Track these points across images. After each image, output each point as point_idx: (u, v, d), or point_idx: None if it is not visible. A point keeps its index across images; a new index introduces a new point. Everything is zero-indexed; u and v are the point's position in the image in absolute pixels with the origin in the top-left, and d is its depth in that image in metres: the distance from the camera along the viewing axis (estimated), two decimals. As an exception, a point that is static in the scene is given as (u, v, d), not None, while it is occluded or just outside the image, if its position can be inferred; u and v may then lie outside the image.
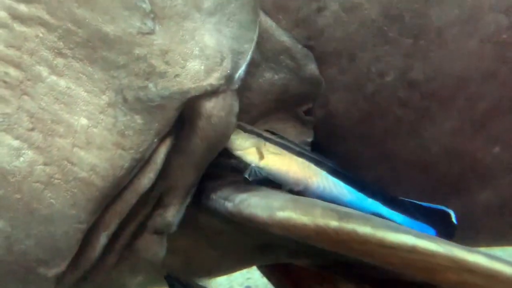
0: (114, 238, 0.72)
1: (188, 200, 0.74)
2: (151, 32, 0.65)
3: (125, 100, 0.66)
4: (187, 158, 0.70)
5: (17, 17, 0.62)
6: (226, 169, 0.74)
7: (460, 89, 0.76)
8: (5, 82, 0.63)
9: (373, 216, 0.59)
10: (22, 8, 0.62)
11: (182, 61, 0.66)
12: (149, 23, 0.66)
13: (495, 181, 0.82)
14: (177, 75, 0.66)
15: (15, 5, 0.62)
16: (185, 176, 0.71)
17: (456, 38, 0.73)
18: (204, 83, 0.66)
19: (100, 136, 0.66)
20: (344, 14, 0.71)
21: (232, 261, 0.85)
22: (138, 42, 0.64)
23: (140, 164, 0.68)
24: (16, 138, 0.63)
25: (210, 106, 0.65)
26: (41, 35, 0.64)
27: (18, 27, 0.63)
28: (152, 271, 0.82)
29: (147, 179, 0.65)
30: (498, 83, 0.74)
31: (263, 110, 0.75)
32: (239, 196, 0.66)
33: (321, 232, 0.59)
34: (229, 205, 0.67)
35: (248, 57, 0.70)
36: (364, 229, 0.54)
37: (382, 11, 0.71)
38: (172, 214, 0.72)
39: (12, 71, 0.63)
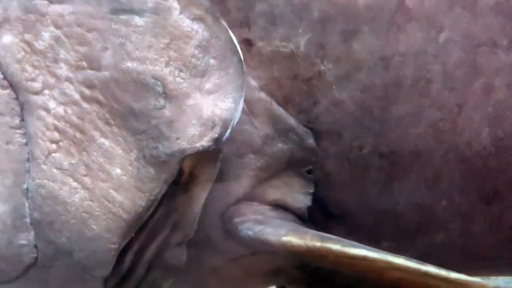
0: (140, 255, 0.93)
1: (196, 219, 0.93)
2: (163, 108, 0.84)
3: (144, 156, 0.85)
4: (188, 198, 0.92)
5: (84, 98, 0.84)
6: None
7: (414, 159, 0.97)
8: (73, 142, 0.83)
9: (344, 239, 0.83)
10: (87, 91, 0.83)
11: (182, 128, 0.84)
12: (162, 101, 0.84)
13: (446, 226, 1.02)
14: (178, 138, 0.84)
15: (84, 89, 0.83)
16: (189, 209, 0.93)
17: (409, 125, 0.95)
18: (197, 144, 0.85)
19: (127, 182, 0.85)
20: (332, 107, 0.94)
21: (253, 280, 1.08)
22: (153, 115, 0.84)
23: (154, 205, 0.86)
24: (75, 180, 0.83)
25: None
26: (96, 110, 0.84)
27: (84, 104, 0.84)
28: (179, 275, 1.01)
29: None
30: (440, 156, 0.96)
31: (277, 169, 0.97)
32: (258, 227, 0.89)
33: (310, 250, 0.83)
34: (250, 233, 0.89)
35: (235, 121, 0.88)
36: (336, 247, 0.80)
37: (358, 106, 0.94)
38: (184, 234, 0.93)
39: (78, 135, 0.84)
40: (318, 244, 0.81)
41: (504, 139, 0.96)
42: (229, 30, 0.89)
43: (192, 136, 0.85)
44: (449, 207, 1.01)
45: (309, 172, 0.99)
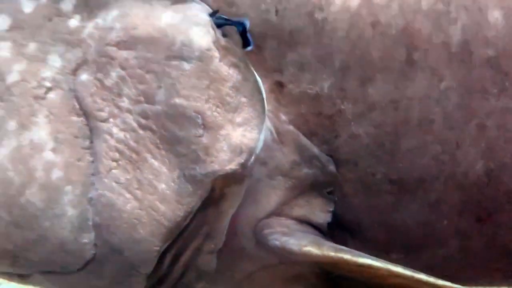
0: (176, 259, 1.01)
1: (225, 232, 1.02)
2: (201, 136, 0.94)
3: (184, 175, 0.94)
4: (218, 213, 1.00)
5: (140, 126, 0.94)
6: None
7: (419, 185, 1.03)
8: (130, 161, 0.94)
9: (354, 250, 0.93)
10: (143, 121, 0.94)
11: (216, 153, 0.94)
12: (200, 131, 0.94)
13: (447, 242, 1.09)
14: (212, 162, 0.94)
15: (141, 119, 0.94)
16: (219, 222, 1.01)
17: (414, 156, 1.02)
18: (227, 167, 0.94)
19: (170, 196, 0.94)
20: (350, 140, 1.02)
21: (280, 285, 1.14)
22: (193, 141, 0.93)
23: (190, 216, 0.95)
24: (129, 192, 0.94)
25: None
26: (149, 136, 0.95)
27: (140, 131, 0.95)
28: (210, 279, 1.09)
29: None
30: (441, 183, 1.03)
31: (302, 190, 1.05)
32: (284, 238, 0.99)
33: (326, 259, 0.94)
34: (277, 243, 0.99)
35: (258, 151, 0.97)
36: (347, 256, 0.91)
37: (372, 140, 1.01)
38: (214, 243, 1.02)
39: (134, 155, 0.94)
40: (332, 253, 0.93)
41: (494, 170, 1.02)
42: (256, 74, 0.99)
43: (223, 160, 0.95)
44: (449, 226, 1.07)
45: (329, 193, 1.07)
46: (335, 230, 1.10)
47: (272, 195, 1.05)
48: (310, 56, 1.01)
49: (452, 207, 1.06)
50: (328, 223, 1.09)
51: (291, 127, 1.04)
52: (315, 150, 1.05)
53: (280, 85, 1.03)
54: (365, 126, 1.02)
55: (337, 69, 1.01)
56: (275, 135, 1.03)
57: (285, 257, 1.01)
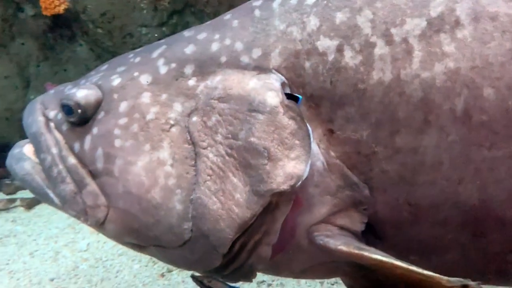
0: (243, 246, 1.25)
1: (278, 231, 1.24)
2: (266, 164, 1.19)
3: (252, 190, 1.20)
4: (273, 217, 1.23)
5: (227, 154, 1.23)
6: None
7: (431, 208, 1.24)
8: (218, 176, 1.22)
9: (373, 249, 1.19)
10: (229, 150, 1.23)
11: (274, 177, 1.18)
12: (266, 161, 1.19)
13: (451, 250, 1.30)
14: (271, 183, 1.18)
15: (228, 149, 1.22)
16: (274, 223, 1.24)
17: (428, 188, 1.22)
18: (281, 187, 1.18)
19: (242, 203, 1.20)
20: (381, 173, 1.24)
21: (323, 272, 1.44)
22: (260, 168, 1.19)
23: (254, 217, 1.19)
24: (216, 198, 1.21)
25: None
26: (232, 161, 1.22)
27: (226, 157, 1.22)
28: (272, 265, 1.32)
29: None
30: (447, 208, 1.23)
31: (344, 206, 1.28)
32: (326, 239, 1.24)
33: (352, 254, 1.20)
34: (321, 242, 1.24)
35: (304, 177, 1.19)
36: (366, 253, 1.18)
37: (397, 174, 1.23)
38: (270, 238, 1.25)
39: (221, 173, 1.22)
40: (356, 251, 1.20)
41: (486, 200, 1.22)
42: (308, 125, 1.23)
43: (279, 182, 1.20)
44: (453, 239, 1.28)
45: (364, 209, 1.30)
46: (368, 236, 1.33)
47: (322, 208, 1.29)
48: (354, 113, 1.26)
49: (455, 225, 1.26)
50: (363, 231, 1.31)
51: (338, 161, 1.28)
52: (355, 178, 1.29)
53: (331, 131, 1.28)
54: (392, 164, 1.25)
55: (373, 123, 1.25)
56: (326, 166, 1.29)
57: (327, 252, 1.27)
